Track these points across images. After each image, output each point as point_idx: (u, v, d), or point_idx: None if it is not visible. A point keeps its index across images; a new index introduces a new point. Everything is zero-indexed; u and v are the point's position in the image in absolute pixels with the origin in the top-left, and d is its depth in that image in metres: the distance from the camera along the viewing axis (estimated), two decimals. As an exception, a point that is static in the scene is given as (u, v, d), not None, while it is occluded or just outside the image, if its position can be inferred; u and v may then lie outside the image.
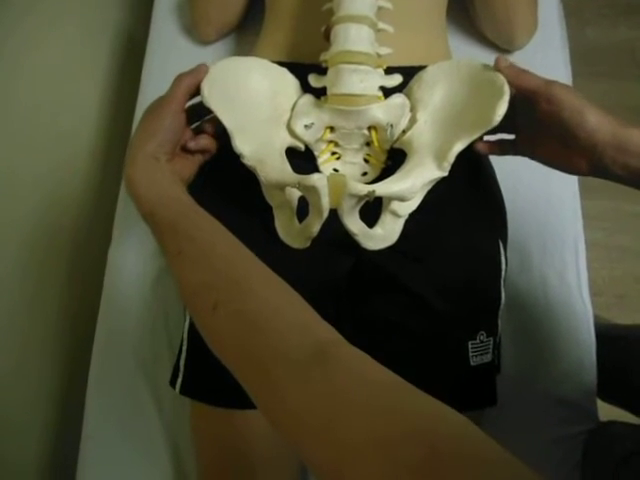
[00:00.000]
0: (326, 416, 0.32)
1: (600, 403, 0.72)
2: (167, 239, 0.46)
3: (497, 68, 0.51)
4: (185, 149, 0.54)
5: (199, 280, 0.43)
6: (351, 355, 0.36)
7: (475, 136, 0.50)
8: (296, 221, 0.55)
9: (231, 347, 0.39)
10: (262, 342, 0.37)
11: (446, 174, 0.51)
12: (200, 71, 0.53)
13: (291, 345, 0.36)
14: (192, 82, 0.52)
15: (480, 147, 0.56)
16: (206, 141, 0.55)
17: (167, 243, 0.46)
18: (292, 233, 0.55)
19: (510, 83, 0.50)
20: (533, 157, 0.53)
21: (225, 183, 0.59)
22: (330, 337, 0.38)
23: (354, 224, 0.51)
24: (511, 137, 0.55)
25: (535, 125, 0.51)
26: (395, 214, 0.54)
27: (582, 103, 0.47)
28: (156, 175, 0.49)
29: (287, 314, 0.40)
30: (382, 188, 0.48)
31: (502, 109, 0.49)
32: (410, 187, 0.50)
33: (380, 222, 0.54)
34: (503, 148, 0.56)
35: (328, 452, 0.31)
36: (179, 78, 0.52)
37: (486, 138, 0.57)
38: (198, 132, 0.56)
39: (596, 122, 0.46)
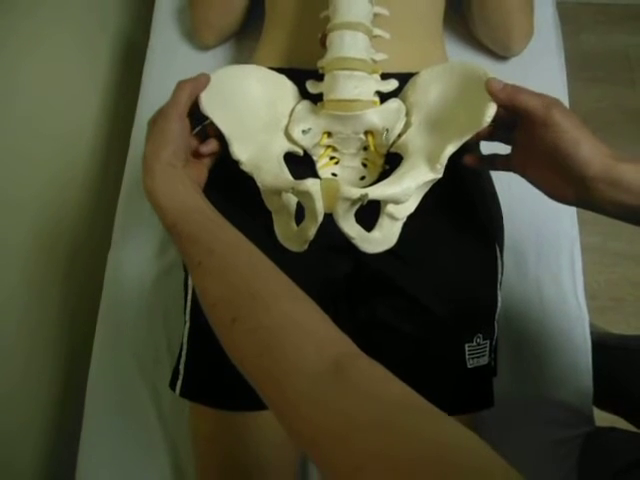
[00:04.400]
0: (342, 429, 0.32)
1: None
2: (188, 250, 0.46)
3: (489, 92, 0.49)
4: (195, 155, 0.54)
5: (218, 294, 0.43)
6: (367, 369, 0.37)
7: (466, 138, 0.50)
8: (294, 225, 0.55)
9: (249, 361, 0.40)
10: (279, 358, 0.38)
11: (440, 176, 0.51)
12: (201, 80, 0.52)
13: (307, 361, 0.37)
14: (194, 90, 0.52)
15: (467, 160, 0.56)
16: (214, 144, 0.55)
17: (188, 254, 0.46)
18: (290, 237, 0.56)
19: (505, 105, 0.48)
20: (524, 176, 0.52)
21: (226, 187, 0.59)
22: (346, 350, 0.39)
23: (350, 228, 0.51)
24: (506, 152, 0.54)
25: (531, 143, 0.50)
26: (392, 217, 0.55)
27: (579, 133, 0.45)
28: (176, 184, 0.49)
29: (303, 328, 0.40)
30: (375, 191, 0.49)
31: (491, 111, 0.49)
32: (404, 190, 0.50)
33: (378, 225, 0.54)
34: (495, 162, 0.55)
35: (343, 462, 0.31)
36: (181, 86, 0.52)
37: (483, 144, 0.57)
38: (202, 136, 0.56)
39: (590, 155, 0.45)
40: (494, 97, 0.48)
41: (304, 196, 0.49)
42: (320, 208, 0.48)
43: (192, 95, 0.52)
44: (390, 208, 0.53)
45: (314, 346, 0.38)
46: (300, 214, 0.53)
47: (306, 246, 0.54)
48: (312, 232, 0.51)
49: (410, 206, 0.55)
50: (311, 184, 0.48)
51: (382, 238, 0.55)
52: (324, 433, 0.33)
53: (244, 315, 0.41)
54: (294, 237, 0.55)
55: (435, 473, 0.28)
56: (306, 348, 0.38)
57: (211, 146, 0.55)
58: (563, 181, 0.48)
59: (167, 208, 0.48)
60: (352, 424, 0.32)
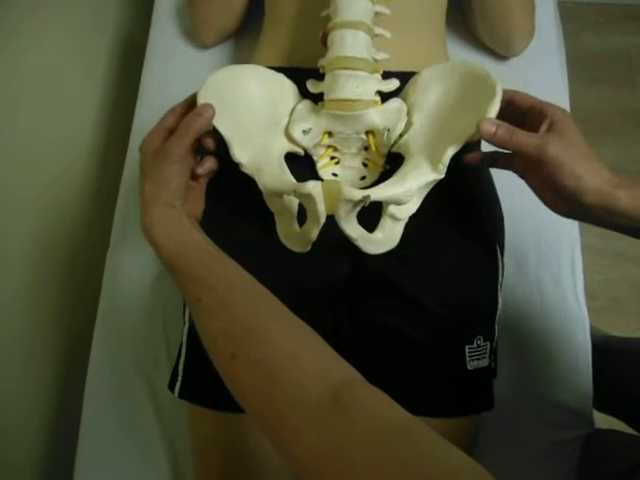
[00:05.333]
0: (341, 461, 0.33)
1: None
2: (187, 286, 0.47)
3: (480, 135, 0.48)
4: (192, 176, 0.54)
5: (218, 328, 0.44)
6: (365, 397, 0.38)
7: (468, 137, 0.50)
8: (296, 226, 0.55)
9: (250, 395, 0.41)
10: (279, 391, 0.39)
11: (442, 176, 0.51)
12: (207, 117, 0.51)
13: (307, 393, 0.38)
14: (199, 130, 0.51)
15: (468, 159, 0.55)
16: (211, 163, 0.55)
17: (187, 290, 0.46)
18: (293, 238, 0.56)
19: (503, 145, 0.48)
20: (523, 178, 0.52)
21: (228, 189, 0.59)
22: (344, 379, 0.39)
23: (352, 229, 0.51)
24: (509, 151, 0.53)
25: None
26: (394, 218, 0.54)
27: (576, 165, 0.45)
28: (173, 223, 0.49)
29: (303, 360, 0.41)
30: (377, 193, 0.49)
31: (494, 110, 0.49)
32: (406, 191, 0.50)
33: (380, 226, 0.54)
34: (496, 160, 0.55)
35: None
36: (187, 126, 0.50)
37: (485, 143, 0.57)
38: (196, 147, 0.54)
39: (587, 187, 0.45)
40: (486, 140, 0.48)
41: (306, 198, 0.49)
42: (322, 210, 0.48)
43: (197, 134, 0.51)
44: (392, 209, 0.53)
45: (313, 379, 0.39)
46: (302, 214, 0.53)
47: (309, 247, 0.54)
48: (314, 234, 0.51)
49: (412, 207, 0.55)
50: (312, 186, 0.47)
51: (384, 239, 0.54)
52: (325, 465, 0.34)
53: (244, 349, 0.42)
54: (297, 238, 0.55)
55: None
56: (305, 382, 0.39)
57: (207, 165, 0.55)
58: (559, 199, 0.48)
59: (165, 246, 0.48)
60: (351, 456, 0.33)
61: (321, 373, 0.39)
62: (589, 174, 0.45)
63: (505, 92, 0.51)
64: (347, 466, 0.33)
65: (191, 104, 0.54)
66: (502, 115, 0.49)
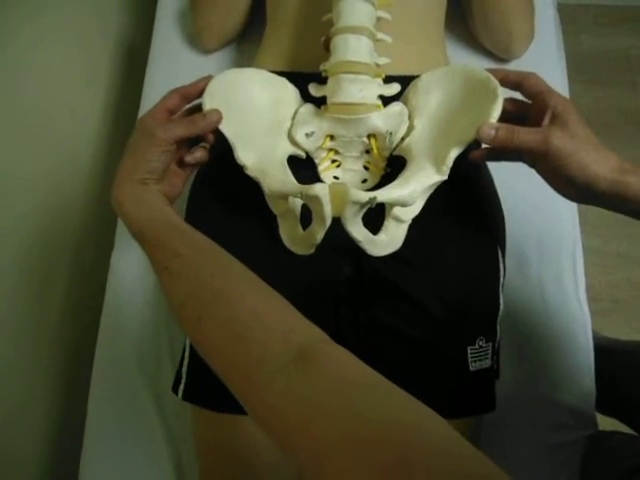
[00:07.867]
0: (305, 417, 0.33)
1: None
2: (155, 256, 0.47)
3: (481, 140, 0.49)
4: (180, 163, 0.54)
5: (184, 294, 0.44)
6: (330, 356, 0.38)
7: (471, 139, 0.50)
8: (300, 228, 0.55)
9: (217, 355, 0.41)
10: (245, 350, 0.39)
11: (445, 178, 0.52)
12: (213, 119, 0.52)
13: (273, 352, 0.38)
14: (204, 131, 0.52)
15: (474, 155, 0.55)
16: (201, 153, 0.55)
17: (155, 259, 0.47)
18: (296, 240, 0.56)
19: (506, 146, 0.48)
20: (533, 167, 0.52)
21: (230, 191, 0.59)
22: (311, 339, 0.39)
23: (358, 231, 0.52)
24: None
25: None
26: (398, 219, 0.55)
27: (583, 154, 0.45)
28: (145, 197, 0.50)
29: (269, 320, 0.41)
30: (383, 194, 0.49)
31: (496, 112, 0.49)
32: (411, 192, 0.50)
33: (384, 228, 0.55)
34: (503, 153, 0.55)
35: (308, 450, 0.32)
36: (190, 122, 0.51)
37: None
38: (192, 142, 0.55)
39: (596, 175, 0.45)
40: (488, 144, 0.49)
41: (313, 200, 0.49)
42: (328, 212, 0.49)
43: (195, 134, 0.52)
44: (396, 211, 0.54)
45: (279, 336, 0.39)
46: (305, 217, 0.53)
47: (313, 250, 0.54)
48: (320, 236, 0.51)
49: (415, 208, 0.55)
50: (319, 189, 0.48)
51: (388, 241, 0.55)
52: (289, 422, 0.34)
53: (210, 310, 0.42)
54: (300, 240, 0.55)
55: (396, 455, 0.29)
56: (272, 338, 0.39)
57: (198, 154, 0.55)
58: (571, 188, 0.48)
59: (134, 217, 0.49)
60: (315, 411, 0.33)
61: (287, 332, 0.39)
62: (596, 162, 0.45)
63: (516, 75, 0.51)
64: (311, 422, 0.33)
65: (199, 89, 0.54)
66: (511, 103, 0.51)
